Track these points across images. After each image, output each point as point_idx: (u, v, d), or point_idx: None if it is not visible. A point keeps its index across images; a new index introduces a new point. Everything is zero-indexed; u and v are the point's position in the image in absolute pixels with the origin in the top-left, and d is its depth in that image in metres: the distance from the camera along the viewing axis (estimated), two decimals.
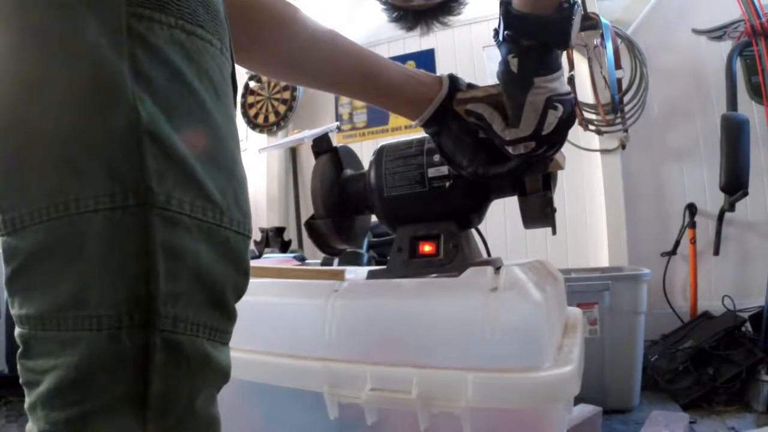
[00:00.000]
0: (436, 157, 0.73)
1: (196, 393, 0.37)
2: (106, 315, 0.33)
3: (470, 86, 0.69)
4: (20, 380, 0.36)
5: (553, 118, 0.59)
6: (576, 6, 0.57)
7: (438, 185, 0.73)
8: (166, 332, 0.34)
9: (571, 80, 2.25)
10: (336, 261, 1.55)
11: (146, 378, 0.34)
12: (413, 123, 0.70)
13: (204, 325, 0.37)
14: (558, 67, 0.60)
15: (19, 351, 0.36)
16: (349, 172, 0.83)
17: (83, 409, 0.33)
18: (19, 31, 0.34)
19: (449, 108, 0.67)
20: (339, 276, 0.73)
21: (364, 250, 1.66)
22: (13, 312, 0.36)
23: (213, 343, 0.38)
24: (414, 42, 2.92)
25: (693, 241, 2.22)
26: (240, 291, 0.41)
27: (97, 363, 0.33)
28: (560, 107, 0.59)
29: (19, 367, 0.36)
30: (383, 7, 0.91)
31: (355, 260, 1.58)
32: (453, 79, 0.69)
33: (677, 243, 2.28)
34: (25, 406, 0.36)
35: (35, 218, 0.34)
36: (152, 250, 0.34)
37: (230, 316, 0.40)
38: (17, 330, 0.36)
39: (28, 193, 0.34)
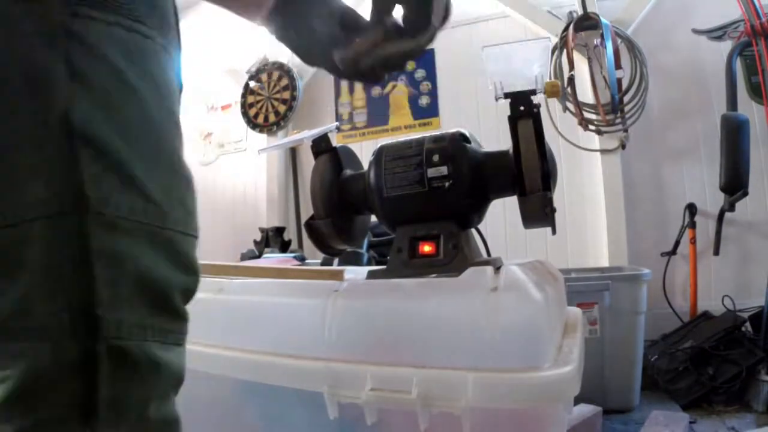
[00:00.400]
0: (436, 157, 0.73)
1: (148, 398, 0.36)
2: (48, 325, 0.33)
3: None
4: None
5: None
6: None
7: (437, 185, 0.73)
8: (110, 338, 0.34)
9: (571, 80, 2.25)
10: (336, 261, 1.55)
11: (93, 386, 0.33)
12: (257, 21, 0.60)
13: (151, 328, 0.36)
14: None
15: None
16: (348, 172, 0.83)
17: (32, 420, 0.33)
18: None
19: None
20: (338, 276, 0.73)
21: (364, 250, 1.66)
22: None
23: (164, 346, 0.37)
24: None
25: (693, 241, 2.22)
26: (189, 292, 0.40)
27: (43, 374, 0.33)
28: None
29: None
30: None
31: (355, 260, 1.58)
32: None
33: (677, 243, 2.28)
34: None
35: None
36: (90, 257, 0.33)
37: (179, 317, 0.39)
38: None
39: None
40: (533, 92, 0.71)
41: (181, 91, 0.43)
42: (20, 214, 0.32)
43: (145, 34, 0.37)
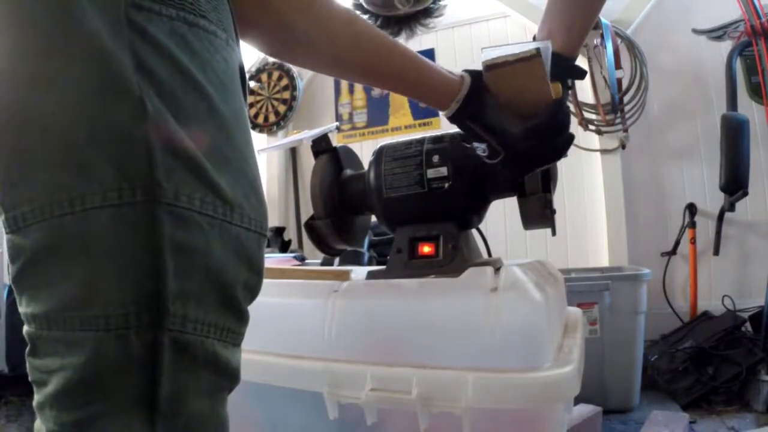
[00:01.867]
0: (435, 158, 0.73)
1: (205, 395, 0.36)
2: (113, 315, 0.32)
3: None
4: (29, 378, 0.36)
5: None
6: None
7: (437, 186, 0.73)
8: (175, 332, 0.33)
9: None
10: (336, 261, 1.55)
11: (154, 379, 0.33)
12: (444, 113, 0.68)
13: (215, 326, 0.36)
14: None
15: (27, 349, 0.36)
16: (348, 172, 0.83)
17: (91, 411, 0.33)
18: (17, 25, 0.33)
19: (478, 87, 0.65)
20: (344, 276, 0.73)
21: (365, 250, 1.66)
22: (21, 310, 0.35)
23: (224, 344, 0.37)
24: (414, 42, 2.91)
25: (693, 241, 2.22)
26: (253, 291, 0.40)
27: (105, 364, 0.32)
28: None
29: (27, 365, 0.36)
30: (365, 16, 0.91)
31: (355, 260, 1.58)
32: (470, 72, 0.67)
33: (677, 243, 2.28)
34: (34, 403, 0.35)
35: (38, 216, 0.33)
36: (161, 247, 0.33)
37: (242, 317, 0.39)
38: (25, 328, 0.36)
39: (31, 190, 0.33)
40: None
41: (244, 84, 0.43)
42: (89, 201, 0.32)
43: (207, 29, 0.37)
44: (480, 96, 0.65)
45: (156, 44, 0.34)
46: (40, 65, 0.33)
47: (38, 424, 0.35)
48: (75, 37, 0.32)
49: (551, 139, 0.64)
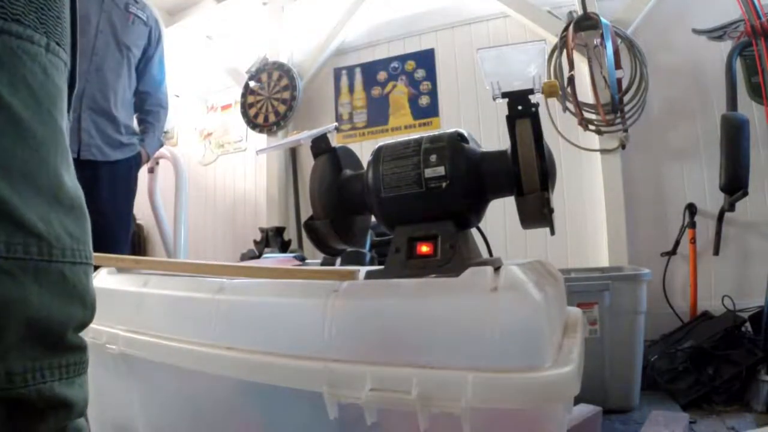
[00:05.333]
0: (433, 158, 0.73)
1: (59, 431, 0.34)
2: None
3: None
4: None
5: None
6: None
7: (435, 186, 0.73)
8: (3, 390, 0.30)
9: (571, 80, 2.25)
10: (338, 261, 1.54)
11: None
12: None
13: (49, 369, 0.33)
14: None
15: None
16: (348, 172, 0.83)
17: None
18: None
19: None
20: (349, 276, 0.72)
21: (366, 250, 1.66)
22: None
23: (67, 381, 0.34)
24: (414, 42, 2.92)
25: (693, 241, 2.22)
26: (85, 325, 0.36)
27: None
28: None
29: None
30: None
31: (357, 260, 1.58)
32: None
33: (677, 243, 2.28)
34: None
35: None
36: None
37: (78, 348, 0.36)
38: None
39: None
40: (531, 91, 0.71)
41: (71, 90, 0.38)
42: None
43: (21, 35, 0.32)
44: None
45: None
46: None
47: None
48: None
49: None
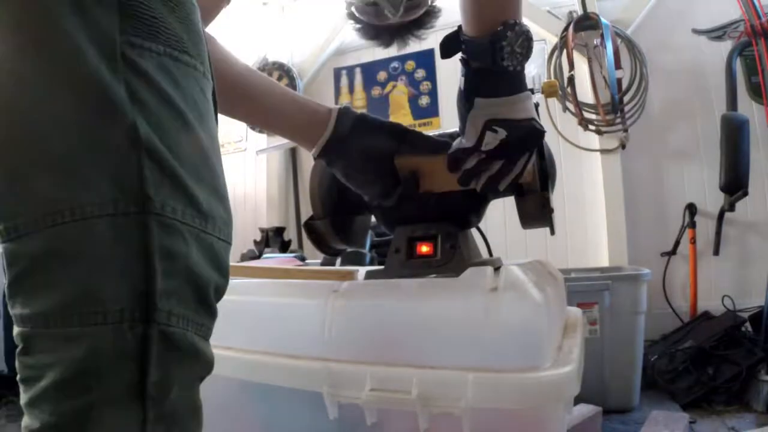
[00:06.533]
0: None
1: (187, 381, 0.40)
2: (110, 311, 0.36)
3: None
4: (18, 377, 0.38)
5: (491, 138, 0.61)
6: (513, 30, 0.59)
7: None
8: (162, 325, 0.37)
9: (571, 80, 2.25)
10: (338, 261, 1.55)
11: (145, 368, 0.37)
12: (312, 153, 0.75)
13: (192, 321, 0.40)
14: (510, 92, 0.62)
15: (18, 349, 0.38)
16: None
17: (89, 400, 0.36)
18: (26, 62, 0.38)
19: (344, 140, 0.73)
20: (348, 276, 0.72)
21: (366, 250, 1.66)
22: (13, 312, 0.38)
23: (200, 337, 0.41)
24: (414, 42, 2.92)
25: (693, 241, 2.22)
26: (220, 292, 0.44)
27: (103, 355, 0.36)
28: (501, 131, 0.61)
29: (17, 364, 0.38)
30: (358, 26, 0.94)
31: (357, 260, 1.58)
32: (343, 113, 0.75)
33: (677, 243, 2.28)
34: (22, 402, 0.38)
35: (40, 224, 0.36)
36: (151, 252, 0.37)
37: (213, 314, 0.44)
38: (16, 329, 0.38)
39: (31, 201, 0.37)
40: (531, 91, 0.71)
41: (216, 110, 0.48)
42: (88, 211, 0.36)
43: (188, 63, 0.42)
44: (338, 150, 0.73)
45: (146, 77, 0.39)
46: (48, 92, 0.37)
47: (27, 421, 0.37)
48: (78, 71, 0.37)
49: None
